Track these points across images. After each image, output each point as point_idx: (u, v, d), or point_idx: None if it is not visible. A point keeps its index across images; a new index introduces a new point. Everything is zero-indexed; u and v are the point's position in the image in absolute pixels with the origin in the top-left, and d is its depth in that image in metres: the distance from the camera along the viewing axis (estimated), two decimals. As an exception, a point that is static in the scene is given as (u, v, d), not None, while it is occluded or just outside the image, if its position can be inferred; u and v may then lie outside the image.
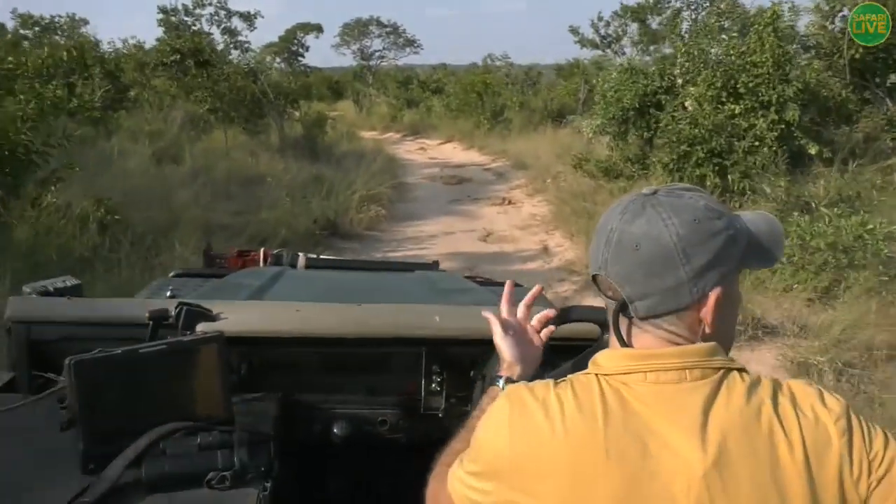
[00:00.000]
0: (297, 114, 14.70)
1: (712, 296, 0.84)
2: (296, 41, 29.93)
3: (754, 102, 7.51)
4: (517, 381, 1.04)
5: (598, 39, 20.52)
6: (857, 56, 7.82)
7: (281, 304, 1.66)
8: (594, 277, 0.91)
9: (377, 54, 42.85)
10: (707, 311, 0.85)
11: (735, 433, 0.80)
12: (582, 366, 0.94)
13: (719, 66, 8.04)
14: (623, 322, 0.90)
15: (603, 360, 0.89)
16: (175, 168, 9.11)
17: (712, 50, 8.50)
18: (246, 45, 14.51)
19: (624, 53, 20.72)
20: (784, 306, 5.13)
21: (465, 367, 1.55)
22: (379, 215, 9.09)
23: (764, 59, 7.40)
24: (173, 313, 1.39)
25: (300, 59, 29.66)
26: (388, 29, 42.79)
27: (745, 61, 7.62)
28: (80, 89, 9.31)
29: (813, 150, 7.40)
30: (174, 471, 1.11)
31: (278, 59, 28.42)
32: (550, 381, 0.90)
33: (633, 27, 19.07)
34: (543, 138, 15.33)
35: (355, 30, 42.21)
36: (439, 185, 12.48)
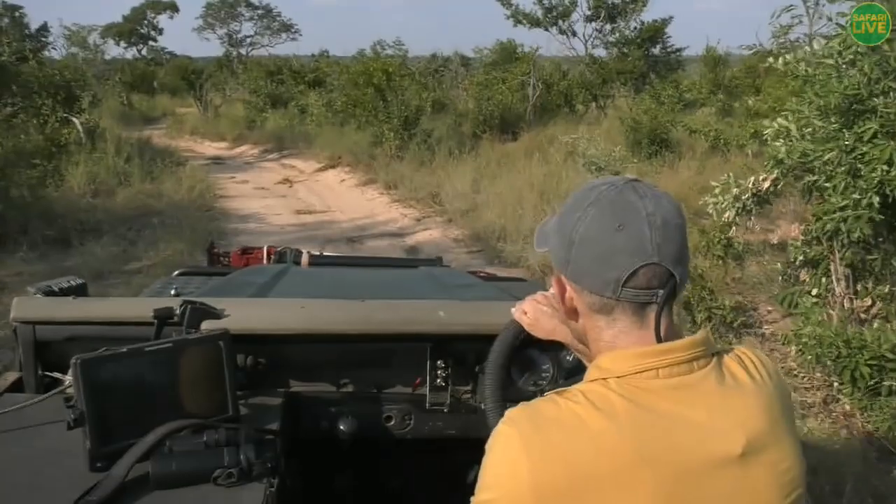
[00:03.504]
0: (75, 120, 10.69)
1: None
2: (146, 22, 25.14)
3: None
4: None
5: (540, 14, 16.07)
6: None
7: (286, 302, 1.66)
8: (634, 273, 0.83)
9: (248, 40, 36.48)
10: None
11: (753, 411, 0.84)
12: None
13: None
14: (650, 315, 0.86)
15: (609, 363, 0.86)
16: None
17: None
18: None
19: (573, 33, 17.15)
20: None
21: (470, 363, 1.55)
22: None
23: None
24: (178, 311, 1.39)
25: (151, 43, 24.70)
26: (259, 11, 36.51)
27: None
28: None
29: None
30: (181, 468, 1.12)
31: (123, 43, 24.65)
32: (549, 397, 0.86)
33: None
34: (513, 174, 9.44)
35: (221, 11, 35.64)
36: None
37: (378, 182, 10.91)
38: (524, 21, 15.94)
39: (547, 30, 16.22)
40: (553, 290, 0.96)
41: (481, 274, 2.75)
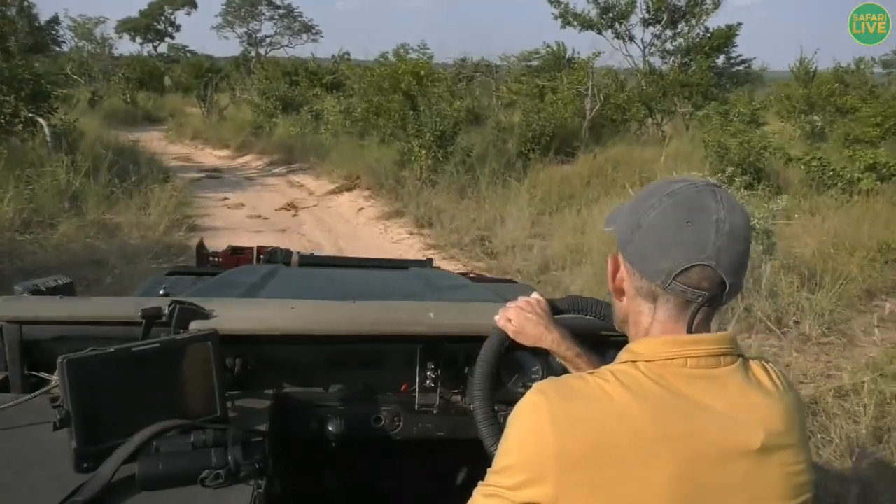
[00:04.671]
0: (42, 121, 9.03)
1: None
2: (163, 18, 24.25)
3: None
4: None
5: (594, 15, 13.68)
6: None
7: (275, 302, 1.65)
8: (687, 269, 0.86)
9: (268, 40, 35.23)
10: None
11: (773, 412, 0.88)
12: None
13: None
14: (689, 313, 0.89)
15: (640, 348, 0.90)
16: None
17: None
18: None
19: (632, 38, 14.64)
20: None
21: (459, 364, 1.56)
22: None
23: None
24: (166, 311, 1.39)
25: (168, 39, 23.57)
26: (281, 10, 35.33)
27: None
28: None
29: None
30: (168, 469, 1.11)
31: (139, 39, 23.75)
32: (580, 374, 0.90)
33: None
34: (580, 207, 7.82)
35: (242, 9, 34.53)
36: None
37: (406, 215, 8.62)
38: (575, 22, 13.82)
39: (600, 33, 14.03)
40: (609, 268, 0.99)
41: (471, 275, 2.76)
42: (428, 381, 1.56)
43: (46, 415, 1.15)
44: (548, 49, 16.91)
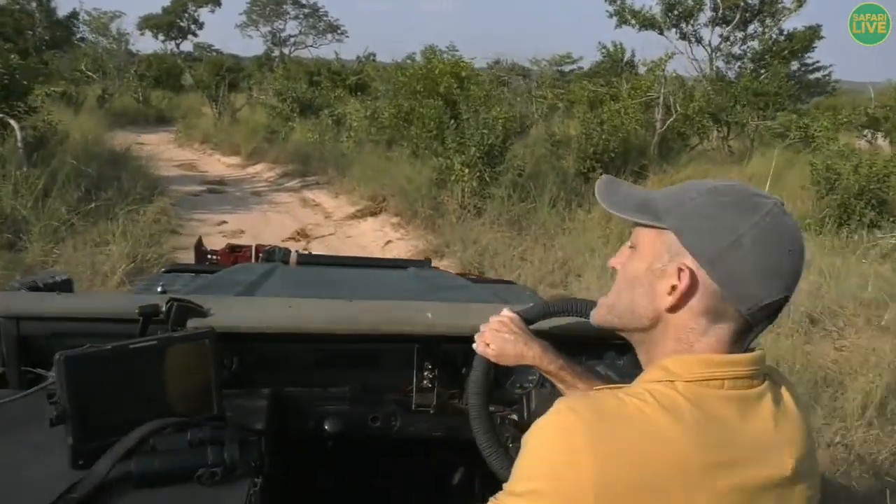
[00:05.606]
0: (13, 123, 7.53)
1: None
2: (186, 15, 23.49)
3: None
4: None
5: (658, 13, 11.92)
6: None
7: (272, 301, 1.65)
8: (775, 301, 0.83)
9: (292, 40, 34.60)
10: None
11: (798, 436, 0.86)
12: None
13: None
14: (749, 337, 0.87)
15: (677, 366, 0.84)
16: None
17: None
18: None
19: (699, 39, 12.67)
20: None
21: (456, 364, 1.56)
22: None
23: None
24: (164, 309, 1.38)
25: (190, 37, 22.85)
26: (305, 10, 34.68)
27: None
28: None
29: None
30: (164, 467, 1.11)
31: (161, 36, 23.03)
32: (607, 391, 0.83)
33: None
34: None
35: (266, 7, 34.01)
36: None
37: (448, 255, 6.85)
38: (633, 21, 12.20)
39: (662, 33, 12.40)
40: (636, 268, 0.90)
41: (470, 276, 2.76)
42: (425, 381, 1.56)
43: (43, 411, 1.15)
44: (603, 50, 15.12)
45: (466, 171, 7.93)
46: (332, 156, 11.50)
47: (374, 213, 8.77)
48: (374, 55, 21.71)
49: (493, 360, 1.23)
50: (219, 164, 13.59)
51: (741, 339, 0.86)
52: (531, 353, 1.21)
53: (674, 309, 0.86)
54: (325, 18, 35.14)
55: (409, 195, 8.27)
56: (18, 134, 7.50)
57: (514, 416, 1.48)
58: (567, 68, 17.53)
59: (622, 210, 0.92)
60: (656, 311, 0.88)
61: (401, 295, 1.97)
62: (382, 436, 1.57)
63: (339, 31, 35.41)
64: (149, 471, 1.10)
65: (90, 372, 1.15)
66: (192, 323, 1.39)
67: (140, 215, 6.92)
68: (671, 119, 10.81)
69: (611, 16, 12.32)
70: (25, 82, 8.27)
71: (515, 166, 8.15)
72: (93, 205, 6.69)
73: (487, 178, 7.94)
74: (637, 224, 0.91)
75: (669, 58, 11.68)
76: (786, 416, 0.86)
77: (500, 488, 0.84)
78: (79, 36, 20.78)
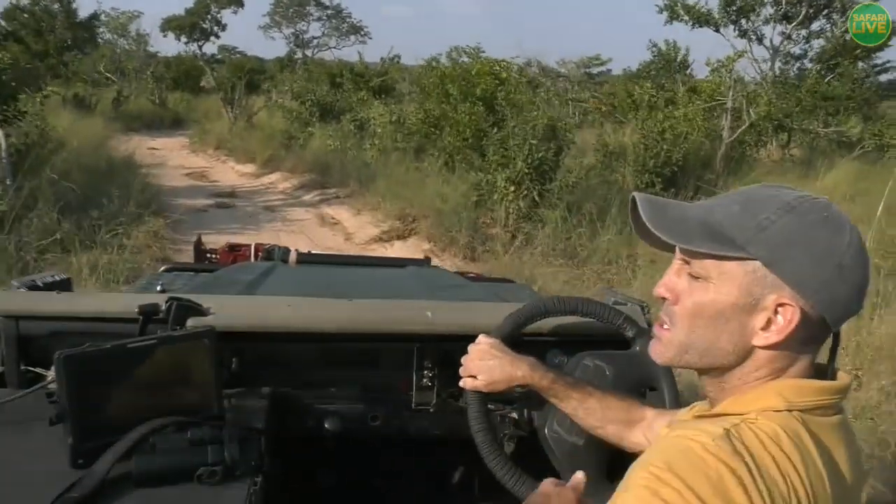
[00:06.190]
0: None
1: None
2: (209, 16, 22.90)
3: None
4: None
5: (715, 8, 10.48)
6: None
7: (272, 299, 1.65)
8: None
9: (315, 41, 34.14)
10: None
11: (858, 463, 0.83)
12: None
13: None
14: (831, 356, 0.83)
15: (794, 394, 0.77)
16: None
17: None
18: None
19: (761, 38, 11.26)
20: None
21: (456, 364, 1.55)
22: None
23: None
24: (164, 308, 1.38)
25: (213, 38, 22.51)
26: (329, 11, 34.22)
27: None
28: None
29: None
30: (164, 466, 1.11)
31: (183, 38, 22.56)
32: (734, 425, 0.74)
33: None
34: None
35: (289, 9, 33.75)
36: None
37: None
38: (686, 17, 10.83)
39: (718, 30, 11.04)
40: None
41: (469, 275, 2.76)
42: (425, 380, 1.56)
43: (43, 411, 1.15)
44: (654, 49, 13.34)
45: (512, 188, 6.78)
46: (354, 165, 10.50)
47: (402, 237, 7.51)
48: (399, 57, 20.76)
49: (484, 390, 1.22)
50: (231, 173, 12.77)
51: (833, 356, 0.82)
52: (520, 372, 1.20)
53: (772, 347, 0.78)
54: (348, 20, 35.02)
55: (443, 216, 7.12)
56: (3, 142, 6.52)
57: (514, 415, 1.48)
58: (595, 70, 16.96)
59: (686, 240, 0.79)
60: (746, 347, 0.80)
61: (400, 294, 1.97)
62: (382, 435, 1.57)
63: (362, 33, 35.22)
64: (149, 470, 1.10)
65: (90, 371, 1.15)
66: (192, 322, 1.39)
67: (128, 239, 6.01)
68: (744, 126, 9.46)
69: (661, 11, 11.22)
70: (14, 84, 7.47)
71: (570, 184, 6.93)
72: (57, 235, 5.63)
73: (537, 198, 6.76)
74: (699, 252, 0.79)
75: (740, 57, 10.33)
76: (854, 443, 0.83)
77: (499, 487, 0.83)
78: (102, 38, 20.52)
